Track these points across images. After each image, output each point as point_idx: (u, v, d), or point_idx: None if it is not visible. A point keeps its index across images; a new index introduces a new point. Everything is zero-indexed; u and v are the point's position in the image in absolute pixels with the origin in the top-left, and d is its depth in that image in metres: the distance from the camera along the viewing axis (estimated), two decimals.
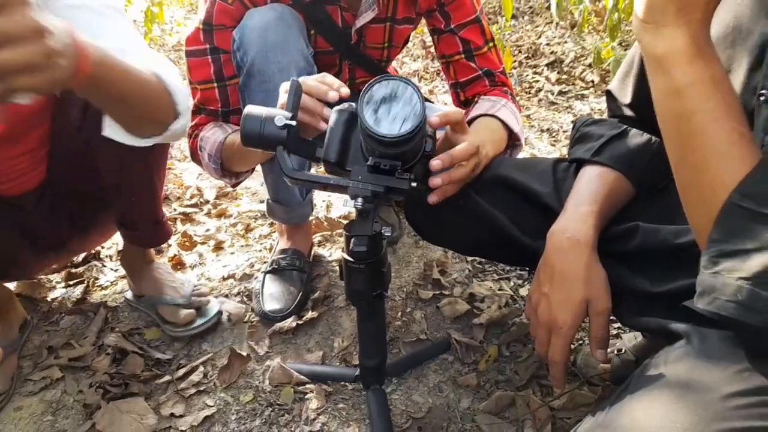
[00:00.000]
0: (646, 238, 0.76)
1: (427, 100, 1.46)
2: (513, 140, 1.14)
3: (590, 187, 0.85)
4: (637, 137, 0.88)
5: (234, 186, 1.20)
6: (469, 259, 1.46)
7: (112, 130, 0.83)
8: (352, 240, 0.82)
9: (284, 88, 0.82)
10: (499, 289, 1.35)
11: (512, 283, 1.38)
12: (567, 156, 0.98)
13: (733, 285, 0.47)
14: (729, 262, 0.48)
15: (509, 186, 0.97)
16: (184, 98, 0.87)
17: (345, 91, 0.82)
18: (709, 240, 0.50)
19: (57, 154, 1.05)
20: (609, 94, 0.96)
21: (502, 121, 1.10)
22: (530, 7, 4.09)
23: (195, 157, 1.15)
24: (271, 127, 0.76)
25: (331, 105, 0.82)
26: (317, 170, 1.40)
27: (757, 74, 0.65)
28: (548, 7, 3.43)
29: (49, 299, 1.38)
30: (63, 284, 1.43)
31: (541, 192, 0.94)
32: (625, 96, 0.90)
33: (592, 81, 2.71)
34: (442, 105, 1.84)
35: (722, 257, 0.49)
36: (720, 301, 0.48)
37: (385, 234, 0.84)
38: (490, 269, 1.43)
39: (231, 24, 1.06)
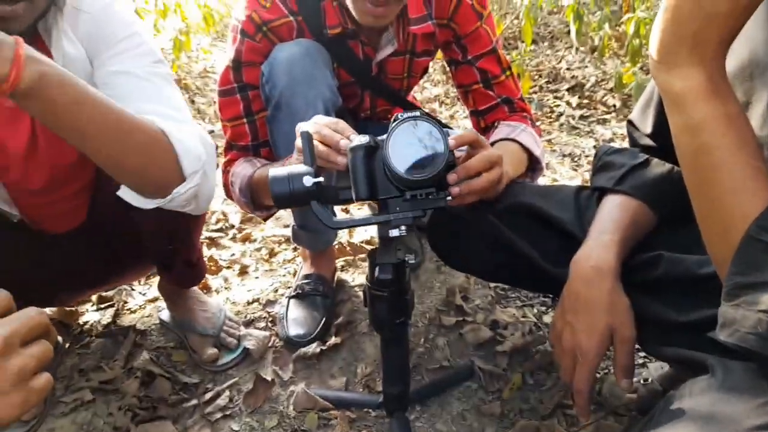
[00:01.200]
0: (669, 268, 0.76)
1: (446, 126, 1.49)
2: (533, 164, 1.16)
3: (612, 215, 0.86)
4: (658, 167, 0.89)
5: (265, 219, 1.24)
6: (492, 285, 1.47)
7: (124, 190, 0.83)
8: (377, 268, 0.84)
9: (298, 141, 0.83)
10: (523, 316, 1.35)
11: (536, 310, 1.37)
12: (589, 183, 0.99)
13: (753, 318, 0.47)
14: (749, 294, 0.49)
15: (531, 213, 0.98)
16: (193, 163, 0.84)
17: (354, 137, 0.83)
18: (729, 272, 0.51)
19: (98, 200, 1.08)
20: (630, 124, 0.98)
21: (522, 145, 1.12)
22: (550, 32, 4.13)
23: (227, 192, 1.19)
24: (300, 186, 0.76)
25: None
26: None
27: None
28: (568, 32, 3.46)
29: (81, 322, 1.42)
30: (94, 308, 1.47)
31: (563, 219, 0.95)
32: (646, 126, 0.91)
33: (614, 105, 2.72)
34: (462, 130, 1.86)
35: (742, 290, 0.49)
36: (740, 333, 0.48)
37: (409, 261, 0.86)
38: (513, 296, 1.43)
39: (259, 60, 1.10)
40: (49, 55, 0.86)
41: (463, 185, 0.80)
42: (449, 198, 0.78)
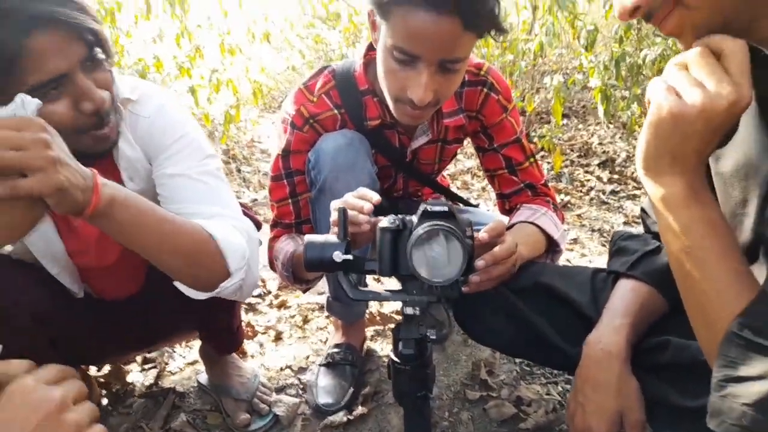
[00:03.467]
0: (676, 353, 0.80)
1: (471, 205, 1.58)
2: (553, 246, 1.22)
3: (624, 300, 0.91)
4: None
5: (304, 291, 1.33)
6: (518, 360, 1.49)
7: (178, 282, 0.94)
8: (400, 342, 0.90)
9: (333, 216, 0.92)
10: (547, 394, 1.37)
11: (560, 388, 1.39)
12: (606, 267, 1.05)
13: (738, 410, 0.52)
14: (733, 387, 0.53)
15: (551, 293, 1.03)
16: (238, 260, 0.93)
17: (377, 199, 0.93)
18: (716, 365, 0.56)
19: (154, 270, 1.19)
20: (643, 211, 1.04)
21: (541, 228, 1.19)
22: (583, 107, 4.24)
23: (272, 266, 1.29)
24: (330, 256, 0.86)
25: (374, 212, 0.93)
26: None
27: None
28: None
29: (128, 380, 1.51)
30: (139, 368, 1.56)
31: (580, 301, 1.00)
32: None
33: None
34: (485, 210, 1.95)
35: (727, 382, 0.54)
36: (727, 424, 0.53)
37: (431, 337, 0.92)
38: (539, 372, 1.45)
39: (306, 148, 1.22)
40: (111, 156, 1.00)
41: (482, 274, 0.87)
42: (464, 288, 0.86)
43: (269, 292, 1.97)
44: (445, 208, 0.83)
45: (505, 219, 1.31)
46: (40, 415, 0.54)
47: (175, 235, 0.88)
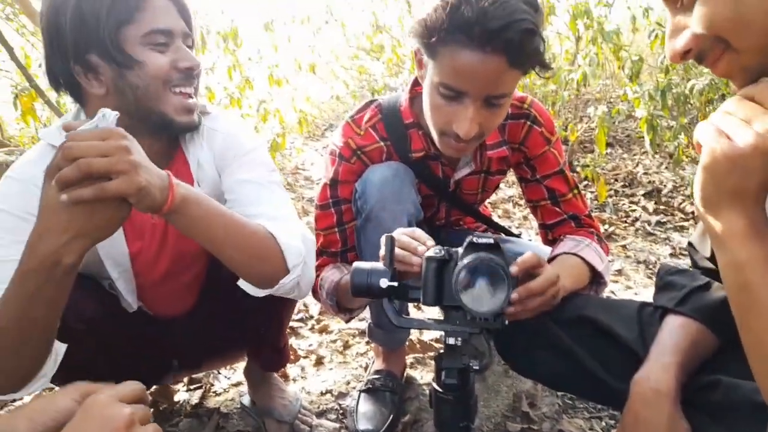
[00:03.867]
0: (727, 393, 0.78)
1: (513, 234, 1.58)
2: (597, 278, 1.21)
3: (673, 337, 0.89)
4: (719, 290, 0.92)
5: (347, 321, 1.35)
6: (560, 393, 1.47)
7: (242, 281, 1.00)
8: (443, 372, 0.91)
9: (382, 251, 0.94)
10: (590, 429, 1.34)
11: (604, 423, 1.36)
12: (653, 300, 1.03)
13: None
14: None
15: (596, 326, 1.02)
16: (295, 257, 0.99)
17: (431, 243, 0.95)
18: None
19: (208, 287, 1.26)
20: (691, 246, 1.02)
21: (585, 260, 1.19)
22: (627, 136, 4.18)
23: (315, 295, 1.32)
24: (376, 282, 0.89)
25: None
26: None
27: None
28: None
29: (174, 399, 1.56)
30: (185, 388, 1.61)
31: (626, 336, 0.99)
32: (706, 250, 0.96)
33: (692, 213, 2.69)
34: (527, 240, 1.94)
35: None
36: None
37: (474, 367, 0.92)
38: (581, 406, 1.43)
39: (353, 179, 1.26)
40: (185, 160, 1.10)
41: (518, 306, 0.88)
42: (506, 322, 0.86)
43: (311, 317, 2.01)
44: (491, 241, 0.84)
45: (548, 249, 1.31)
46: (108, 429, 0.58)
47: (240, 232, 0.95)
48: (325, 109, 5.60)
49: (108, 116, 0.81)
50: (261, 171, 1.11)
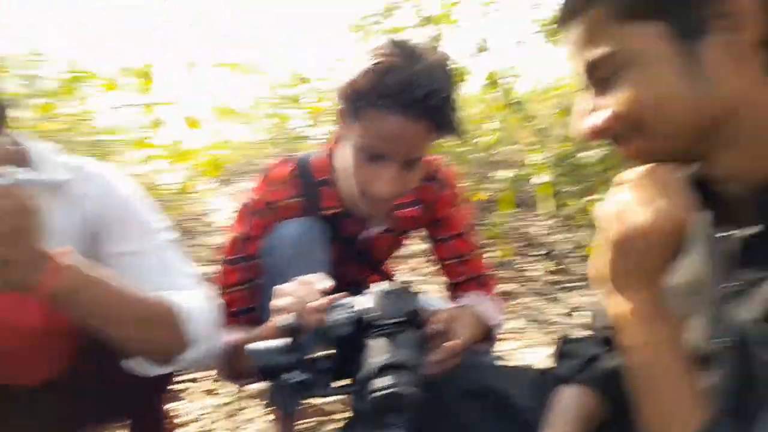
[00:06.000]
0: None
1: (420, 293, 1.58)
2: (491, 332, 1.27)
3: (567, 407, 0.90)
4: (616, 359, 0.95)
5: (241, 387, 1.28)
6: None
7: (132, 362, 0.92)
8: None
9: (274, 302, 0.94)
10: None
11: None
12: (555, 353, 1.05)
13: None
14: None
15: (494, 397, 1.01)
16: (199, 329, 0.93)
17: (329, 284, 0.95)
18: None
19: (81, 349, 1.11)
20: (593, 314, 1.05)
21: (482, 316, 1.23)
22: (531, 197, 4.42)
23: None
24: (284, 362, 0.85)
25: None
26: None
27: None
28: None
29: None
30: None
31: (523, 406, 0.98)
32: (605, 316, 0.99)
33: (585, 274, 2.85)
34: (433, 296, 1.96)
35: None
36: None
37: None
38: None
39: (264, 234, 1.22)
40: None
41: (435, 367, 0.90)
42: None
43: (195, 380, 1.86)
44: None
45: (451, 305, 1.36)
46: None
47: (138, 309, 0.87)
48: (238, 155, 5.46)
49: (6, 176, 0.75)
50: (145, 235, 1.01)
